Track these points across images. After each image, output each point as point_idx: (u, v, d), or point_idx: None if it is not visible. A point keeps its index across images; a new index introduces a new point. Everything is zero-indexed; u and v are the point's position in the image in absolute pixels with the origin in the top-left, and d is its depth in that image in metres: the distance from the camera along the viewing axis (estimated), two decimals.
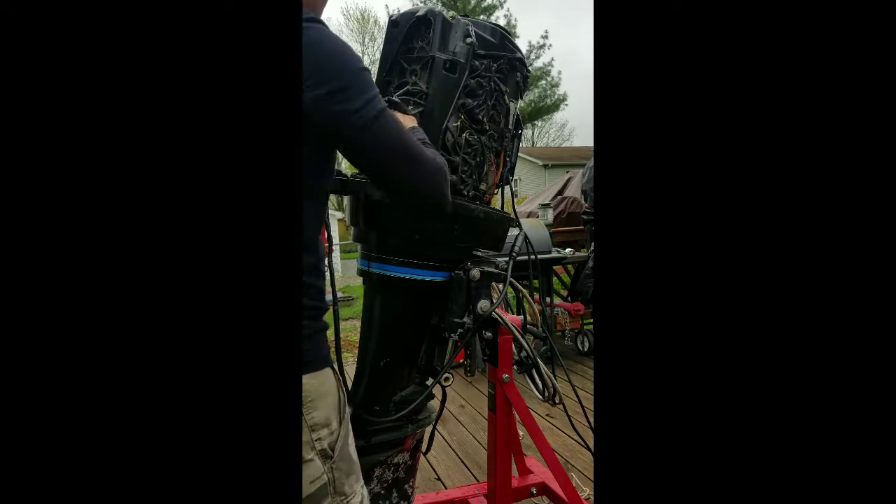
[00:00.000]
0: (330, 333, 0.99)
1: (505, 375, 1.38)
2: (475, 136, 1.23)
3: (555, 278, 4.52)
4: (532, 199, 7.59)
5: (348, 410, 0.98)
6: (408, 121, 1.05)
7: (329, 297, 1.07)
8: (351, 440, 0.98)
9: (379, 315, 1.29)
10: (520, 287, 1.51)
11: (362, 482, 1.00)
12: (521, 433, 1.87)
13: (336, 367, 0.98)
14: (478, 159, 1.25)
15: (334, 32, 0.88)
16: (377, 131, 0.87)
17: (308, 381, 0.87)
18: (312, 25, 0.83)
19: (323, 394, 0.90)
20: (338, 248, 12.08)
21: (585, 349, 4.02)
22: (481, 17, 10.16)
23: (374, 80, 1.02)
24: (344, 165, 1.31)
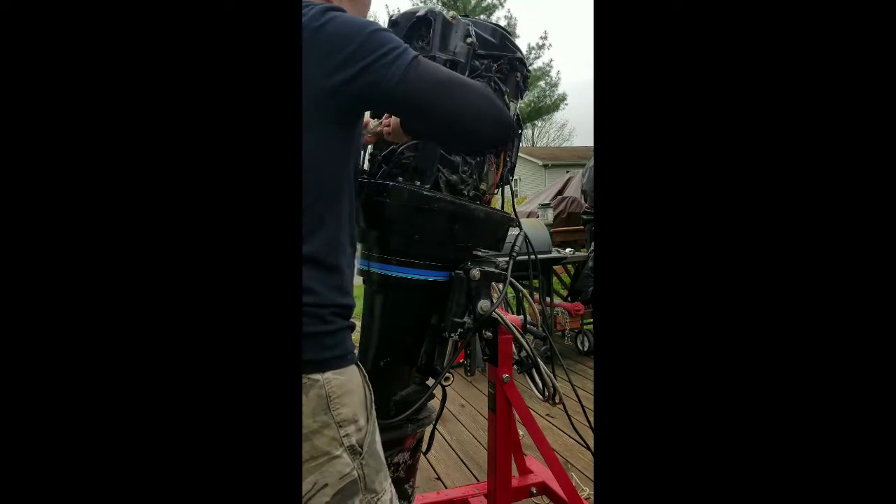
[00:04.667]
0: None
1: (505, 375, 1.38)
2: None
3: (555, 278, 4.52)
4: (532, 199, 7.59)
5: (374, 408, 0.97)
6: None
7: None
8: (378, 438, 0.97)
9: (379, 315, 1.29)
10: (520, 287, 1.51)
11: (390, 480, 0.99)
12: (521, 433, 1.87)
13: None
14: (478, 159, 1.25)
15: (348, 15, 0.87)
16: (416, 74, 0.86)
17: (334, 377, 0.86)
18: (336, 14, 0.84)
19: (349, 390, 0.89)
20: None
21: (585, 349, 4.02)
22: (481, 16, 10.16)
23: None
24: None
